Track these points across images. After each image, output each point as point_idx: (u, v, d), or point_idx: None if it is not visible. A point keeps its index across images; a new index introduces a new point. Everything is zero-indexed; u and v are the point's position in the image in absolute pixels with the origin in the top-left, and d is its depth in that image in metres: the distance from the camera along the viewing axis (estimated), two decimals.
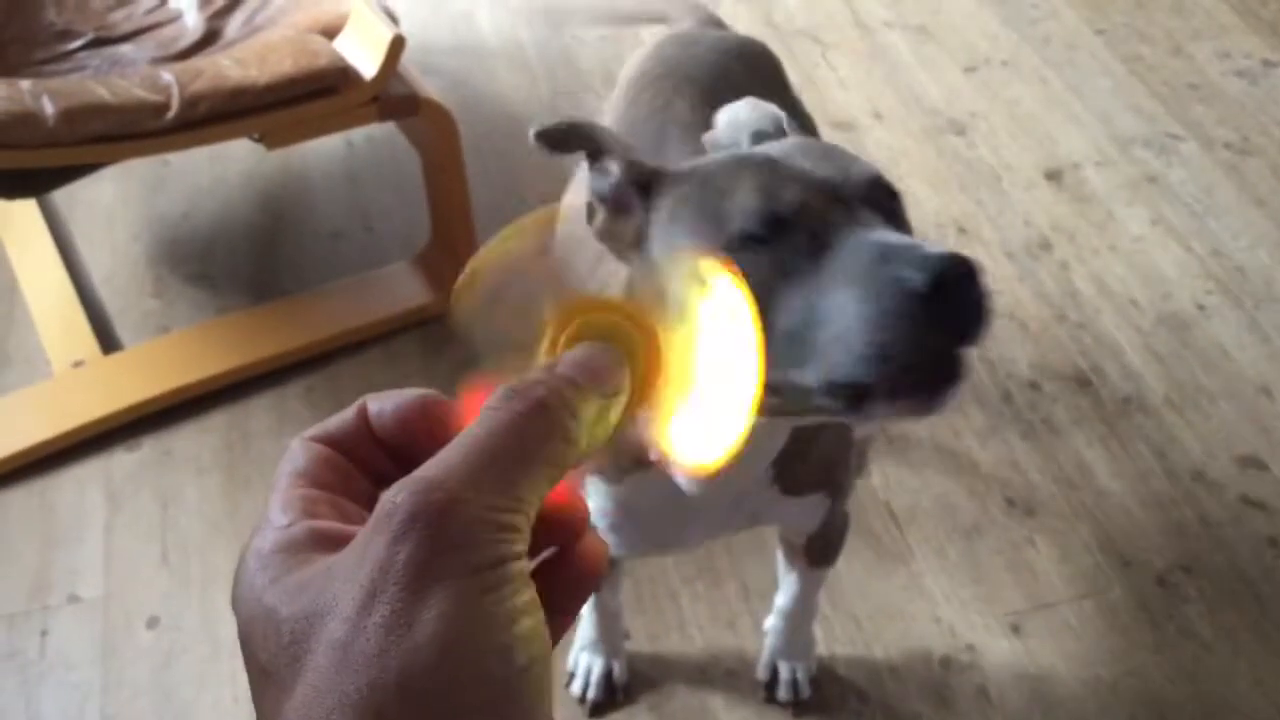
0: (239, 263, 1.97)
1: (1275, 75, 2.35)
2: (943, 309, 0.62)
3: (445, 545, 0.34)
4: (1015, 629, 1.50)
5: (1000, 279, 1.94)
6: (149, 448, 1.69)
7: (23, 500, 1.63)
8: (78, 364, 1.76)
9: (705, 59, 1.31)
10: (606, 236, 0.81)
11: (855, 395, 0.66)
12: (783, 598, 1.37)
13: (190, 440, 1.70)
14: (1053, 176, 2.13)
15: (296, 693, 0.33)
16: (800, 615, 1.38)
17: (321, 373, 1.79)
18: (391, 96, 1.64)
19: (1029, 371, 1.80)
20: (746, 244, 0.70)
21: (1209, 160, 2.16)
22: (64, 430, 1.66)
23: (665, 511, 0.96)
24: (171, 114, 1.52)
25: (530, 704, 0.34)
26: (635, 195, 0.79)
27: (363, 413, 0.41)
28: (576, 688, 1.43)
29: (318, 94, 1.59)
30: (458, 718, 0.33)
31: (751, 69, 1.34)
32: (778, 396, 0.69)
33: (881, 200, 0.72)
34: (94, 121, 1.50)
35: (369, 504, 0.39)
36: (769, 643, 1.43)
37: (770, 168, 0.73)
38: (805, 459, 0.98)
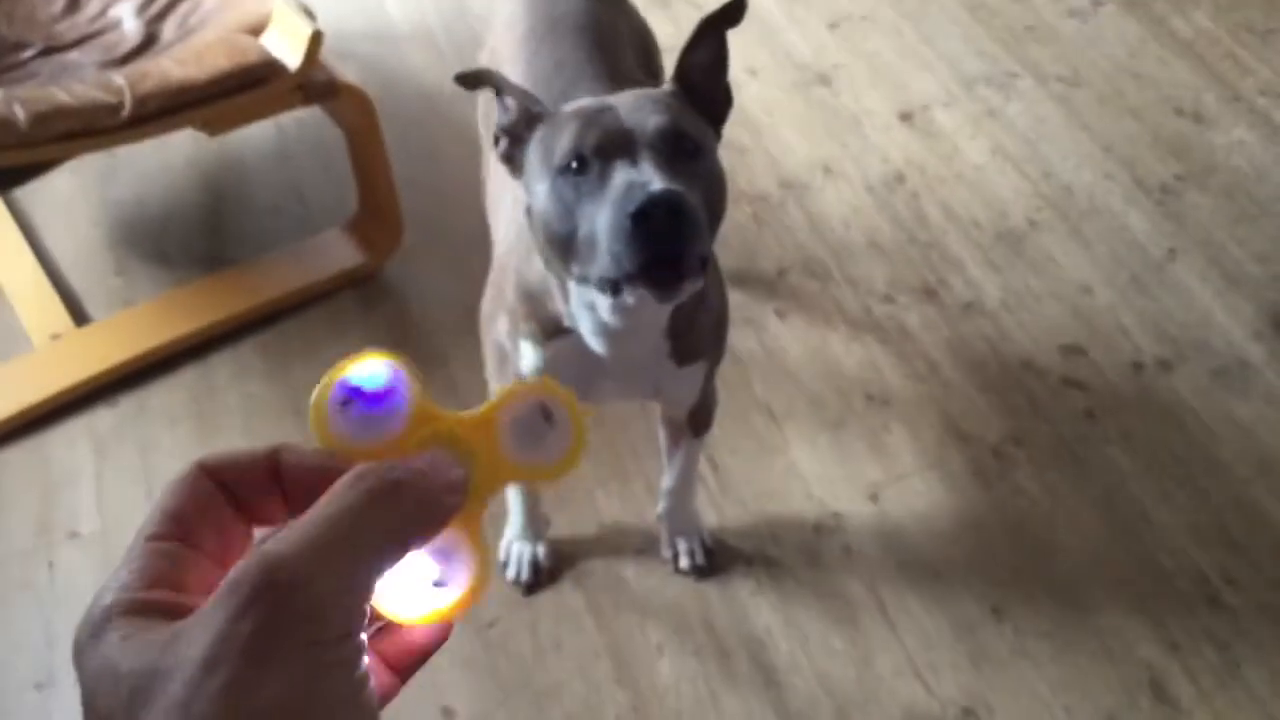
0: (190, 239, 2.21)
1: (1103, 13, 2.65)
2: (649, 227, 0.91)
3: (287, 621, 0.36)
4: (873, 498, 1.80)
5: (861, 209, 2.23)
6: (126, 404, 1.94)
7: (20, 456, 1.87)
8: (55, 337, 1.99)
9: (577, 7, 1.51)
10: (505, 160, 1.11)
11: (614, 284, 0.96)
12: (668, 479, 1.65)
13: (162, 396, 1.95)
14: (906, 118, 2.42)
15: None
16: (684, 491, 1.65)
17: (272, 330, 2.04)
18: (314, 83, 1.88)
19: (885, 287, 2.09)
20: (563, 172, 1.00)
21: (1043, 94, 2.46)
22: (50, 394, 1.90)
23: (584, 368, 1.22)
24: (126, 112, 1.75)
25: None
26: (525, 129, 1.09)
27: (272, 457, 0.44)
28: (510, 573, 1.70)
29: (250, 85, 1.83)
30: None
31: (612, 5, 1.58)
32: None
33: (667, 143, 1.00)
34: (59, 122, 1.73)
35: (238, 545, 0.43)
36: (664, 525, 1.71)
37: (589, 117, 1.02)
38: (689, 334, 1.24)
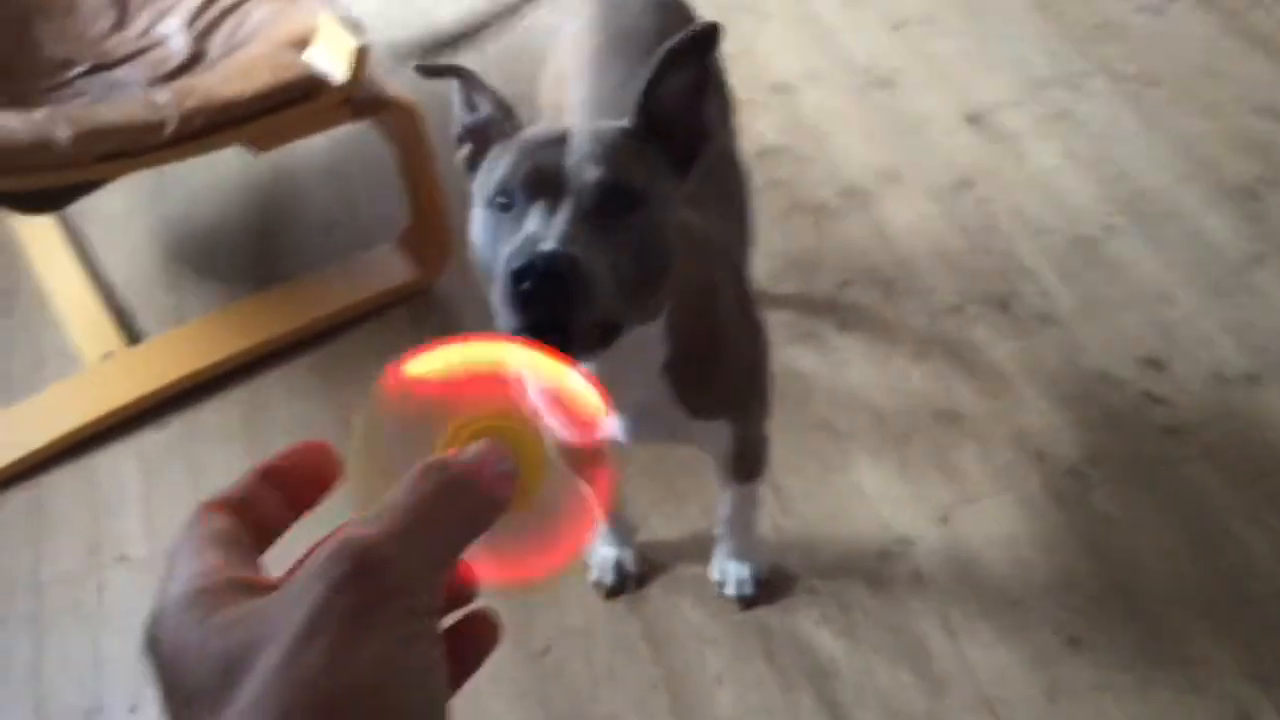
0: (241, 256, 2.18)
1: (1176, 8, 2.55)
2: (528, 289, 0.82)
3: (382, 597, 0.39)
4: (943, 520, 1.72)
5: (926, 217, 2.15)
6: (176, 425, 1.91)
7: (68, 478, 1.85)
8: (106, 356, 1.97)
9: (645, 23, 1.46)
10: (468, 167, 1.05)
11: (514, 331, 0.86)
12: (722, 509, 1.58)
13: (212, 416, 1.92)
14: (972, 120, 2.34)
15: (227, 713, 0.37)
16: (739, 524, 1.59)
17: (324, 348, 2.00)
18: (361, 98, 1.84)
19: (952, 298, 2.01)
20: (490, 204, 0.93)
21: (1115, 93, 2.37)
22: (100, 414, 1.88)
23: None
24: (170, 130, 1.72)
25: None
26: (491, 138, 1.02)
27: (257, 474, 0.47)
28: (594, 575, 1.67)
29: (295, 101, 1.79)
30: None
31: (681, 23, 1.51)
32: None
33: (596, 196, 0.90)
34: (102, 142, 1.70)
35: (256, 565, 0.45)
36: (718, 547, 1.65)
37: (532, 149, 0.93)
38: (706, 390, 1.16)
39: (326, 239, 2.20)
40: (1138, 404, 1.84)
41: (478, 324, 2.03)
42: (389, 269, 2.09)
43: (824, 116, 2.36)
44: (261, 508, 0.46)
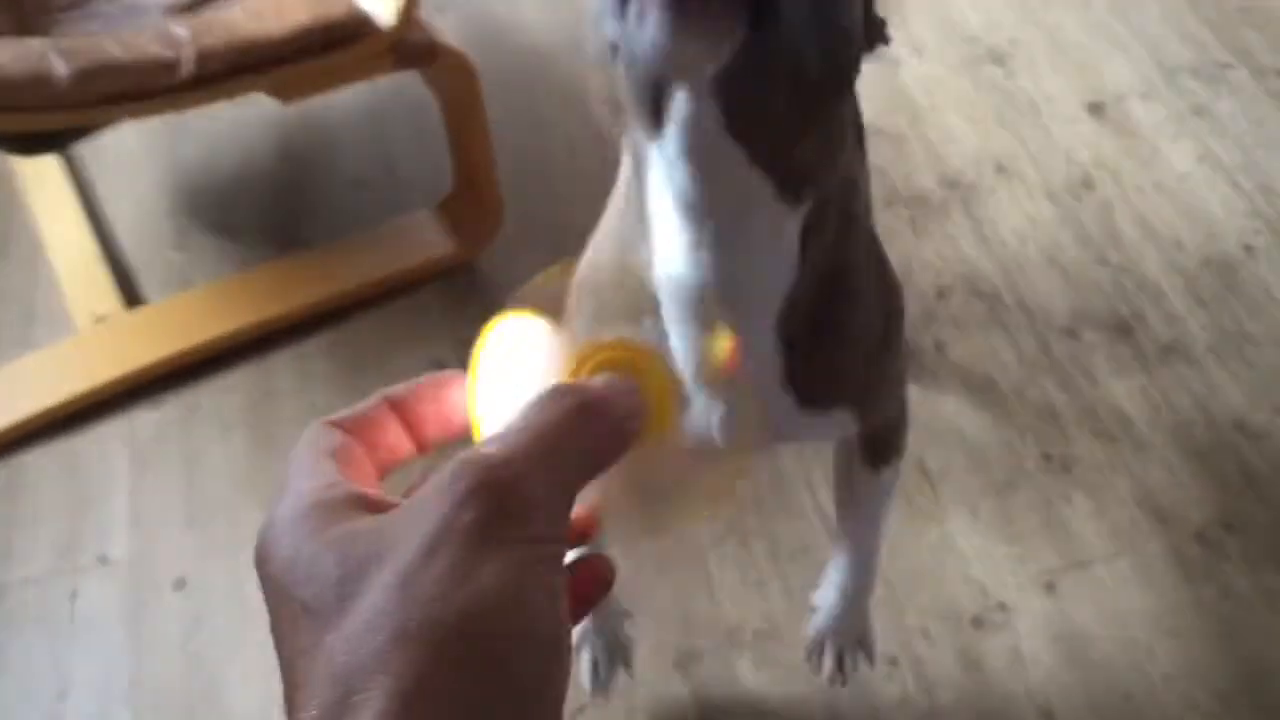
0: (261, 212, 1.94)
1: None
2: None
3: (505, 516, 0.37)
4: (1049, 588, 1.48)
5: (1039, 220, 1.88)
6: (172, 405, 1.68)
7: (46, 462, 1.63)
8: (100, 319, 1.74)
9: None
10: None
11: (643, 75, 0.59)
12: (836, 571, 1.25)
13: (214, 398, 1.69)
14: (1095, 109, 2.05)
15: (344, 626, 0.35)
16: (862, 538, 1.21)
17: (344, 327, 1.76)
18: (407, 45, 1.59)
19: (1068, 319, 1.74)
20: None
21: (1260, 90, 2.07)
22: (88, 388, 1.65)
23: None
24: (184, 70, 1.47)
25: (565, 671, 0.37)
26: None
27: (381, 402, 0.45)
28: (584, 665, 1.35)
29: (333, 46, 1.54)
30: (508, 665, 0.35)
31: None
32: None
33: None
34: (106, 81, 1.46)
35: (375, 485, 0.43)
36: (817, 619, 1.31)
37: None
38: (827, 362, 0.81)
39: (358, 198, 1.95)
40: (1279, 461, 1.58)
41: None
42: (425, 239, 1.84)
43: (925, 91, 2.08)
44: (382, 435, 0.45)
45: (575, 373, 0.46)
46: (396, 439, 0.45)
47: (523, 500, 0.38)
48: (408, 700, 0.34)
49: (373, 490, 0.41)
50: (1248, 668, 1.41)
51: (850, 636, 1.31)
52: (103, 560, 1.53)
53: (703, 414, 0.74)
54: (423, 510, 0.37)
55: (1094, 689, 1.39)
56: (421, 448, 0.46)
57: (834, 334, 0.80)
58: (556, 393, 0.41)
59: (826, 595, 1.29)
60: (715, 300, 0.69)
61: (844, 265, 0.78)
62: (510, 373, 0.46)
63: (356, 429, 0.44)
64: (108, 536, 1.55)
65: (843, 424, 0.90)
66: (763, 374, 0.78)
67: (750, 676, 1.42)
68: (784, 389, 0.80)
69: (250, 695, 1.42)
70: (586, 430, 0.41)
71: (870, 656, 1.32)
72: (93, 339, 1.72)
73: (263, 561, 0.39)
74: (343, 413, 0.45)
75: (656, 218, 0.69)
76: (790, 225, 0.69)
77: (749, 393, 0.73)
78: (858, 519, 1.18)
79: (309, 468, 0.41)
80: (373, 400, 0.45)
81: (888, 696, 1.39)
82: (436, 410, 0.46)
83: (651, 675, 1.42)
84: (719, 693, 1.40)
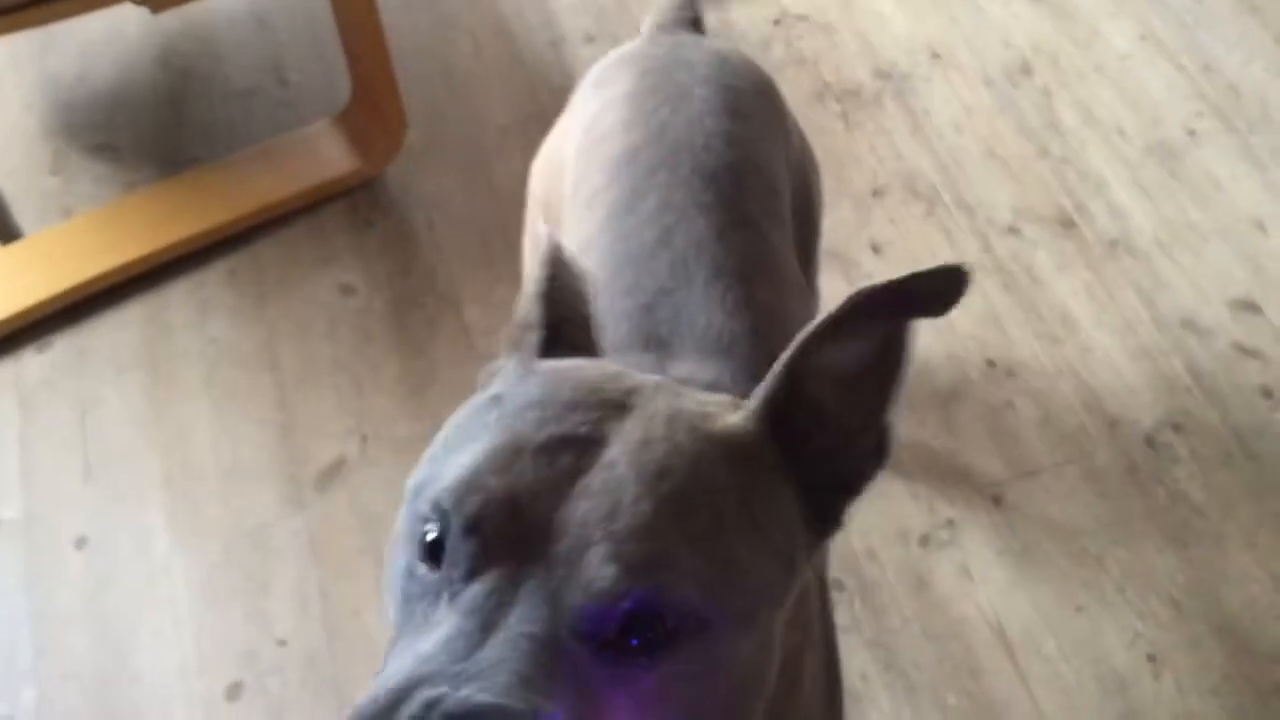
0: (143, 129, 1.79)
1: None
2: None
3: None
4: (996, 501, 1.43)
5: (976, 109, 1.79)
6: (61, 348, 1.56)
7: None
8: None
9: (707, 127, 0.94)
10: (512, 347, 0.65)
11: None
12: None
13: (106, 337, 1.57)
14: None
15: None
16: None
17: (243, 252, 1.64)
18: None
19: (1009, 215, 1.67)
20: (413, 526, 0.52)
21: None
22: None
23: None
24: None
25: None
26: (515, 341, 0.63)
27: None
28: None
29: None
30: None
31: (765, 119, 1.00)
32: None
33: (622, 620, 0.47)
34: None
35: None
36: None
37: (510, 445, 0.50)
38: None
39: (249, 110, 1.81)
40: (1228, 357, 1.54)
41: (431, 226, 1.66)
42: (325, 153, 1.71)
43: None
44: None
45: None
46: None
47: None
48: None
49: None
50: (1198, 572, 1.37)
51: None
52: None
53: None
54: None
55: (1045, 603, 1.35)
56: None
57: None
58: None
59: None
60: None
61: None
62: None
63: None
64: None
65: None
66: None
67: None
68: None
69: (163, 656, 1.33)
70: None
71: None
72: None
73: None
74: None
75: None
76: None
77: None
78: None
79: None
80: None
81: (836, 622, 1.34)
82: None
83: None
84: None
